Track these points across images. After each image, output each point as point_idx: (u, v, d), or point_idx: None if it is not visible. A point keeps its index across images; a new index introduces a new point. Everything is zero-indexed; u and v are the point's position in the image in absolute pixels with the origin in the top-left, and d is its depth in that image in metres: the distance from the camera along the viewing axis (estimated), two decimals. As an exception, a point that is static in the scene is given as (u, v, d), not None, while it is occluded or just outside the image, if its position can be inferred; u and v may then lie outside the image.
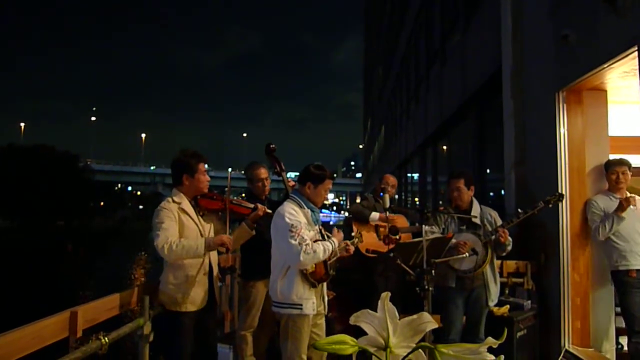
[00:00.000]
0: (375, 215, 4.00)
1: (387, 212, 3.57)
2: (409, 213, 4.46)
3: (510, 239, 3.38)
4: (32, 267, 19.02)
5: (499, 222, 3.51)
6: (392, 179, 4.32)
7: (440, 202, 8.62)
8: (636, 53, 2.78)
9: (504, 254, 3.48)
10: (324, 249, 2.69)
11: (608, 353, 3.70)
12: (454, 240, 3.31)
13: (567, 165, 3.83)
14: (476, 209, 3.56)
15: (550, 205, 3.48)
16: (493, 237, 3.37)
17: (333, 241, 2.81)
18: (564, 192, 3.73)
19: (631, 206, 3.55)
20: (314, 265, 2.73)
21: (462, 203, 3.56)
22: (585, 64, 3.38)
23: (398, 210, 4.37)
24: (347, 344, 0.75)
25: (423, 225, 2.91)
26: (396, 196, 15.32)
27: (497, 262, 3.88)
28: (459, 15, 8.18)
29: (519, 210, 3.45)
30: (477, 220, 3.49)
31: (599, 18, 3.14)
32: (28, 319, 2.03)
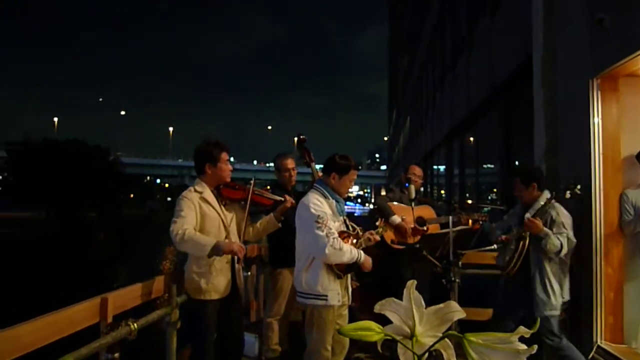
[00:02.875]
0: (395, 219, 3.96)
1: (412, 203, 3.53)
2: (435, 204, 4.39)
3: (556, 241, 3.01)
4: (66, 256, 19.70)
5: (563, 224, 3.14)
6: (417, 170, 4.27)
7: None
8: (677, 36, 2.64)
9: (552, 255, 3.09)
10: (350, 252, 2.67)
11: (642, 349, 3.58)
12: (501, 237, 3.21)
13: (601, 156, 3.69)
14: (537, 207, 3.23)
15: (569, 196, 3.28)
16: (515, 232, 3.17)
17: (361, 253, 2.76)
18: (598, 184, 3.60)
19: None
20: None
21: (522, 200, 3.32)
22: (621, 49, 3.24)
23: (423, 201, 4.31)
24: (373, 330, 0.74)
25: (450, 217, 2.86)
26: (422, 188, 15.17)
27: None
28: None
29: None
30: (528, 216, 3.19)
31: (636, 0, 3.00)
32: (62, 305, 2.09)
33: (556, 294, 3.11)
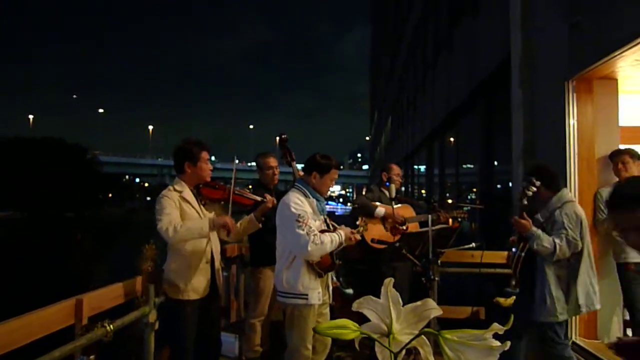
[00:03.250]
0: (380, 210, 3.98)
1: (393, 202, 3.55)
2: (415, 203, 4.42)
3: (546, 242, 2.85)
4: (41, 258, 19.25)
5: (563, 224, 2.93)
6: (396, 169, 4.29)
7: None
8: (649, 40, 2.72)
9: (546, 257, 2.91)
10: (331, 240, 2.67)
11: (615, 345, 3.66)
12: (511, 238, 3.12)
13: (576, 156, 3.78)
14: (549, 207, 3.06)
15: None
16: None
17: (340, 233, 2.77)
18: (573, 184, 3.68)
19: None
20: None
21: (541, 200, 3.10)
22: (596, 52, 3.31)
23: (404, 200, 4.34)
24: (348, 328, 0.74)
25: (429, 215, 2.88)
26: (402, 188, 15.29)
27: (503, 254, 3.65)
28: (466, 0, 8.06)
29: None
30: (542, 219, 3.07)
31: (612, 5, 3.08)
32: (38, 307, 2.04)
33: (558, 299, 2.89)
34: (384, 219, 4.04)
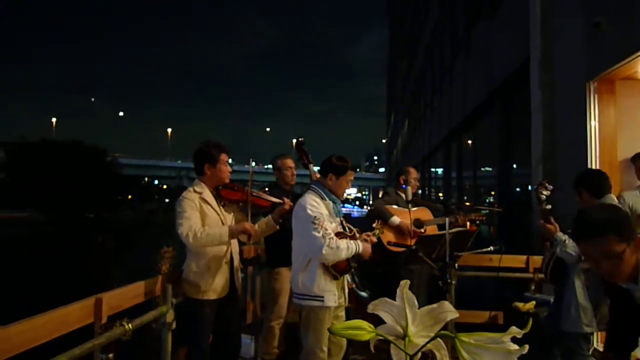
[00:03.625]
0: (395, 220, 3.98)
1: (409, 205, 3.52)
2: (432, 206, 4.39)
3: (571, 249, 2.64)
4: (64, 258, 19.64)
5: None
6: (414, 172, 4.27)
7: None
8: (673, 39, 2.65)
9: (575, 265, 2.76)
10: (347, 247, 2.66)
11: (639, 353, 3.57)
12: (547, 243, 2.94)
13: (598, 159, 3.71)
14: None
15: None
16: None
17: (359, 244, 2.75)
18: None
19: None
20: None
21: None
22: (618, 52, 3.25)
23: (420, 203, 4.31)
24: (364, 329, 0.73)
25: (447, 218, 2.85)
26: (419, 190, 15.18)
27: (522, 257, 3.63)
28: (484, 1, 7.98)
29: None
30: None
31: (633, 4, 3.01)
32: (59, 306, 2.08)
33: (585, 310, 2.75)
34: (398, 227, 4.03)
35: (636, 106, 3.77)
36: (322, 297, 2.70)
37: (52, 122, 76.14)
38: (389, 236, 3.86)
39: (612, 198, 2.95)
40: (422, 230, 4.00)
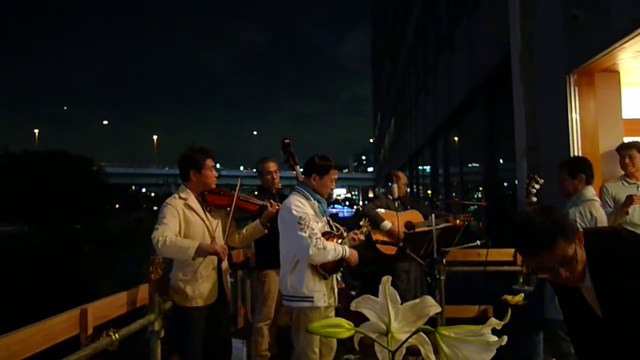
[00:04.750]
0: (386, 224, 3.99)
1: (396, 203, 3.54)
2: (422, 209, 4.41)
3: None
4: (50, 270, 19.35)
5: (575, 222, 2.87)
6: (403, 178, 4.29)
7: None
8: (649, 30, 2.70)
9: None
10: (334, 249, 2.65)
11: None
12: None
13: (580, 150, 3.76)
14: (569, 204, 3.01)
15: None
16: None
17: (345, 248, 2.75)
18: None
19: (639, 192, 3.41)
20: None
21: (566, 192, 3.07)
22: (596, 44, 3.29)
23: (409, 203, 4.32)
24: (342, 327, 0.73)
25: (433, 214, 2.86)
26: (408, 189, 15.24)
27: (510, 251, 3.72)
28: (466, -1, 8.05)
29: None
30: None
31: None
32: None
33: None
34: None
35: (615, 97, 3.83)
36: (312, 297, 2.69)
37: (34, 133, 75.10)
38: (376, 235, 3.87)
39: (590, 190, 3.02)
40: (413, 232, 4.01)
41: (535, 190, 2.97)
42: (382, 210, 4.09)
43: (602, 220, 2.91)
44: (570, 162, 3.12)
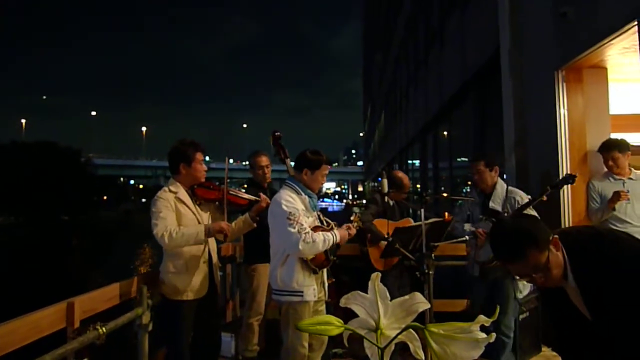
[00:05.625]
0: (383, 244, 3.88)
1: (387, 197, 3.52)
2: (410, 200, 4.35)
3: None
4: (38, 262, 19.16)
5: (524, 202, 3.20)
6: (405, 178, 4.11)
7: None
8: (636, 28, 2.72)
9: None
10: (324, 239, 2.65)
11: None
12: (472, 228, 3.20)
13: (567, 146, 3.79)
14: (500, 193, 3.29)
15: (559, 188, 3.27)
16: None
17: (335, 233, 2.75)
18: (565, 174, 3.69)
19: (625, 188, 3.47)
20: None
21: (485, 186, 3.32)
22: (584, 41, 3.32)
23: (401, 204, 4.24)
24: (332, 324, 0.73)
25: (422, 209, 2.87)
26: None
27: None
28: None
29: (530, 197, 3.24)
30: (498, 206, 3.24)
31: (599, -7, 3.08)
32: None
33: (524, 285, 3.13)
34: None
35: (603, 94, 3.87)
36: (302, 292, 2.69)
37: (21, 123, 73.93)
38: (375, 254, 3.79)
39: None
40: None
41: (545, 199, 3.11)
42: (380, 221, 3.91)
43: (528, 199, 3.17)
44: (486, 156, 3.36)
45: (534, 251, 1.41)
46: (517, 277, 1.59)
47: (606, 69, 3.79)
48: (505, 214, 3.17)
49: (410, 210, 4.27)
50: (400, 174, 4.04)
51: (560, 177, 3.66)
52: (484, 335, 0.67)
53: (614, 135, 3.80)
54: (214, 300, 3.03)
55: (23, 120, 74.21)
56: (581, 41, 3.36)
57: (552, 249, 1.44)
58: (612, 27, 2.95)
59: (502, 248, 1.47)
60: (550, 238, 1.45)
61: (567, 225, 3.73)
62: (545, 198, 3.09)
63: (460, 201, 3.68)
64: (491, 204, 3.24)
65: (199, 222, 2.87)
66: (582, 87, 3.79)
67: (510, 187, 3.31)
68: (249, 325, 3.65)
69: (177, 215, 2.78)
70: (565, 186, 3.65)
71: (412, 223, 4.01)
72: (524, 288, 3.23)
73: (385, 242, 3.65)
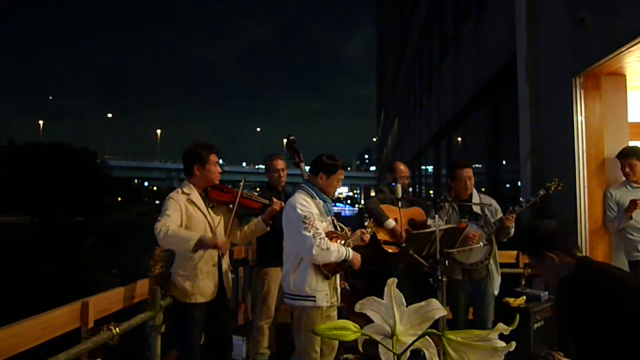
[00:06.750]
0: (390, 222, 3.90)
1: (399, 203, 3.50)
2: (423, 203, 4.35)
3: (513, 223, 3.32)
4: (52, 262, 19.40)
5: (499, 209, 3.46)
6: (403, 170, 4.17)
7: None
8: (656, 34, 2.68)
9: (505, 239, 3.42)
10: (337, 250, 2.65)
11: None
12: (475, 233, 3.27)
13: (584, 154, 3.73)
14: (476, 198, 3.49)
15: (551, 192, 3.33)
16: (495, 226, 3.31)
17: (349, 250, 2.75)
18: (582, 182, 3.65)
19: None
20: None
21: (467, 193, 3.47)
22: (602, 47, 3.27)
23: (412, 201, 4.27)
24: (349, 329, 0.72)
25: (435, 216, 2.85)
26: (410, 188, 15.21)
27: (512, 253, 3.83)
28: (472, 0, 8.02)
29: (521, 199, 3.39)
30: (478, 210, 3.41)
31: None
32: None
33: (499, 274, 3.50)
34: (395, 220, 3.97)
35: (621, 101, 3.80)
36: (314, 297, 2.68)
37: (39, 125, 75.22)
38: (384, 235, 3.83)
39: None
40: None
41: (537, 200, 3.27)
42: (388, 206, 3.98)
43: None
44: (471, 164, 3.61)
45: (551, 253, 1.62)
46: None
47: (625, 76, 3.73)
48: (485, 218, 3.39)
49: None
50: (397, 163, 4.22)
51: (577, 186, 3.64)
52: (503, 343, 0.66)
53: (632, 144, 3.73)
54: (225, 303, 3.03)
55: (40, 122, 75.53)
56: (599, 48, 3.32)
57: (563, 258, 1.62)
58: (631, 34, 2.90)
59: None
60: (572, 251, 1.61)
61: (583, 234, 3.68)
62: (538, 199, 3.27)
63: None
64: (475, 208, 3.43)
65: (210, 225, 2.86)
66: (600, 95, 3.74)
67: (480, 194, 3.62)
68: (259, 328, 3.65)
69: (187, 217, 2.78)
70: (580, 194, 3.62)
71: (422, 213, 4.02)
72: (498, 285, 3.44)
73: (389, 225, 3.74)
